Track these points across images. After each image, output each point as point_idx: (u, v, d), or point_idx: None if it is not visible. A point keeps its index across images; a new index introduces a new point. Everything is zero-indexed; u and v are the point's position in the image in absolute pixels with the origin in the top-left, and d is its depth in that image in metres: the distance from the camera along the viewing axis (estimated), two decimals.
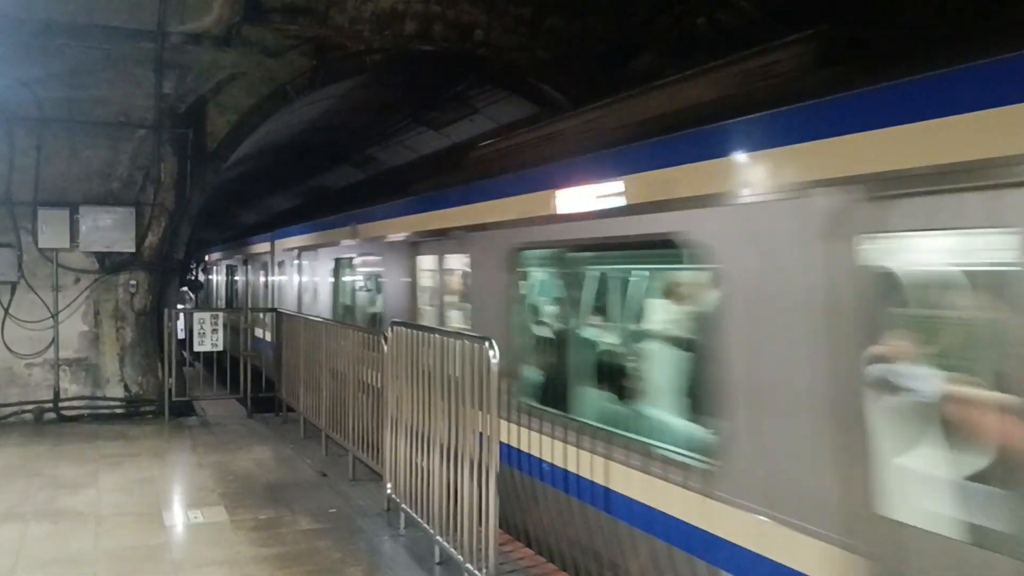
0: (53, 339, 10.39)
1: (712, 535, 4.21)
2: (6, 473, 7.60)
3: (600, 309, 6.54)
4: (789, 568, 3.74)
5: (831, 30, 4.37)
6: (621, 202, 5.11)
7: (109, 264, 10.57)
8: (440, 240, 7.92)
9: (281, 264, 16.07)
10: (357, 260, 11.59)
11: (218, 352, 11.05)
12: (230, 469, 7.84)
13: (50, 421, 10.28)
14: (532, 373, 6.42)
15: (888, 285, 3.53)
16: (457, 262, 7.87)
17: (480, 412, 4.53)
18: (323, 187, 21.43)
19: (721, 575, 4.17)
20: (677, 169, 4.64)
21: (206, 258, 27.00)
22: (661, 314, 5.85)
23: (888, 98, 3.41)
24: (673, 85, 5.37)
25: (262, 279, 18.29)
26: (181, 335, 11.33)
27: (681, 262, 4.82)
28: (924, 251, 3.53)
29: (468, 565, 4.69)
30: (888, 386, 3.43)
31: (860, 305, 3.48)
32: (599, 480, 5.17)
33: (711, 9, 9.29)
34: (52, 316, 10.38)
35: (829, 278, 3.61)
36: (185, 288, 19.36)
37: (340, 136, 16.54)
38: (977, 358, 3.37)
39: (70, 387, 10.49)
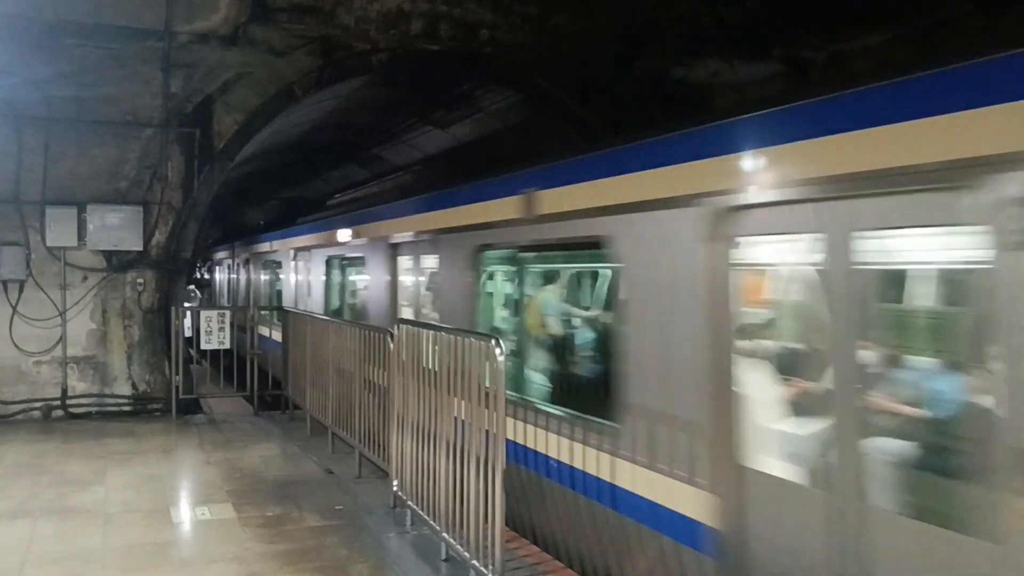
0: (61, 337, 10.44)
1: None
2: (14, 470, 7.64)
3: None
4: None
5: None
6: None
7: (117, 262, 10.62)
8: None
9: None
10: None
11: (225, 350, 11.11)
12: (237, 466, 7.88)
13: (58, 418, 10.33)
14: None
15: None
16: None
17: (486, 410, 4.54)
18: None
19: None
20: None
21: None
22: None
23: None
24: None
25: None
26: (188, 333, 11.37)
27: None
28: None
29: (474, 562, 4.70)
30: None
31: None
32: None
33: (717, 7, 9.27)
34: (60, 314, 10.43)
35: None
36: (192, 286, 19.38)
37: (346, 135, 16.54)
38: None
39: (78, 385, 10.53)
